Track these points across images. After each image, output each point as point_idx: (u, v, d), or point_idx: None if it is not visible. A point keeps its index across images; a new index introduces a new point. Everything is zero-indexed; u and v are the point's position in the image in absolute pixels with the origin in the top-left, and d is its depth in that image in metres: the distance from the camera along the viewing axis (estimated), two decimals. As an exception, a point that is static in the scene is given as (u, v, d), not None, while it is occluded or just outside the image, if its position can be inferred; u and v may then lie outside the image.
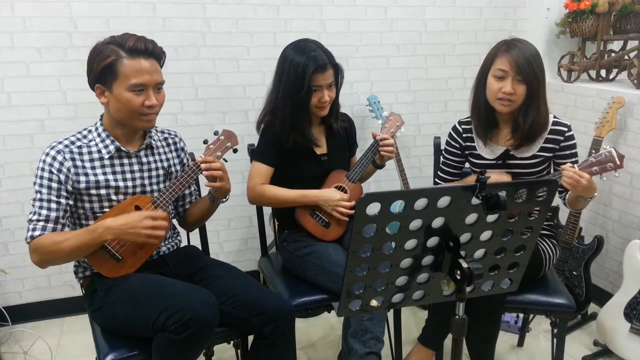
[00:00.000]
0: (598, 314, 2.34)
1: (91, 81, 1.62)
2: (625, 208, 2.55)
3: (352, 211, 1.98)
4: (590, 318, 2.60)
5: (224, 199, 1.81)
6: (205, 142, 1.76)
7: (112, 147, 1.66)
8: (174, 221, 1.92)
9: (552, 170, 1.95)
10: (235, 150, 1.80)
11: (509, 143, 1.92)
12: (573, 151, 1.89)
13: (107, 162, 1.66)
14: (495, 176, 1.87)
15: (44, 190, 1.58)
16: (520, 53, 1.78)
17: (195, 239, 2.05)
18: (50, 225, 1.57)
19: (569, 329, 2.50)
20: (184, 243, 1.94)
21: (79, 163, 1.62)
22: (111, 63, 1.55)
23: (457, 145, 2.04)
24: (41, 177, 1.58)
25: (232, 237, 2.92)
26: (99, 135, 1.67)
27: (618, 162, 1.71)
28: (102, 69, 1.56)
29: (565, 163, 1.80)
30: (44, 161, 1.59)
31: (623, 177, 2.53)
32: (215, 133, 1.77)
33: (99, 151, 1.66)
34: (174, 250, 1.85)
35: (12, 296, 2.65)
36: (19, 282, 2.64)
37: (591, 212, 2.74)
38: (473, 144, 2.00)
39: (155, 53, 1.61)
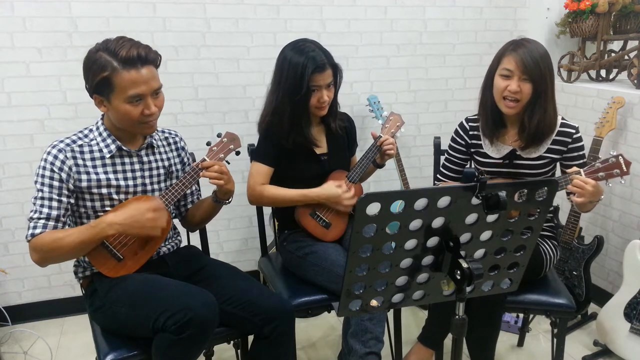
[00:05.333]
0: (598, 314, 2.35)
1: (89, 91, 1.61)
2: (625, 208, 2.55)
3: (356, 199, 1.98)
4: (590, 318, 2.60)
5: (228, 201, 1.81)
6: (208, 143, 1.76)
7: (113, 147, 1.66)
8: (175, 221, 1.92)
9: (557, 173, 1.95)
10: (237, 153, 1.80)
11: (516, 144, 1.91)
12: (580, 153, 1.89)
13: (108, 161, 1.66)
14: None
15: (46, 189, 1.58)
16: (527, 53, 1.77)
17: (195, 239, 2.05)
18: (51, 223, 1.57)
19: (569, 329, 2.50)
20: (184, 243, 1.94)
21: (80, 162, 1.62)
22: (107, 77, 1.53)
23: (463, 143, 2.03)
24: (42, 176, 1.59)
25: (232, 237, 2.92)
26: (100, 134, 1.67)
27: (625, 169, 1.71)
28: (97, 82, 1.55)
29: (572, 165, 1.79)
30: (46, 160, 1.59)
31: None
32: (219, 135, 1.77)
33: (100, 150, 1.66)
34: (174, 250, 1.85)
35: (12, 296, 2.65)
36: (19, 282, 2.64)
37: (591, 212, 2.73)
38: (479, 142, 1.99)
39: (149, 59, 1.57)
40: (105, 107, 1.60)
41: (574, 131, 1.87)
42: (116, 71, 1.52)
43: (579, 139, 1.88)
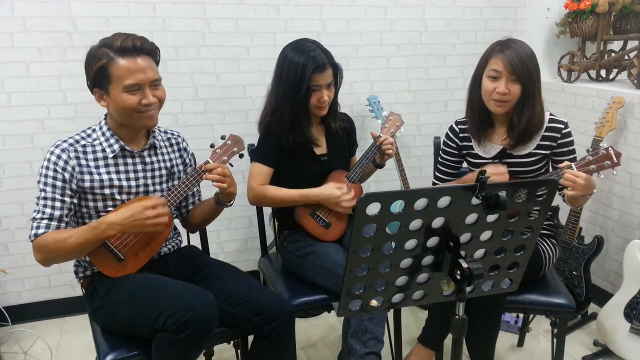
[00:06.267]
0: (598, 314, 2.35)
1: (89, 86, 1.62)
2: (625, 208, 2.55)
3: (355, 201, 1.98)
4: (590, 318, 2.60)
5: (229, 203, 1.81)
6: (212, 146, 1.76)
7: (116, 147, 1.66)
8: (175, 221, 1.92)
9: (550, 169, 1.95)
10: (241, 156, 1.80)
11: (504, 142, 1.92)
12: (570, 148, 1.89)
13: (111, 161, 1.66)
14: (491, 169, 1.85)
15: (48, 189, 1.58)
16: (514, 53, 1.78)
17: (195, 239, 2.05)
18: (54, 223, 1.57)
19: (569, 329, 2.50)
20: (184, 243, 1.94)
21: (83, 162, 1.62)
22: (103, 66, 1.54)
23: (454, 145, 2.04)
24: (45, 176, 1.58)
25: (232, 237, 2.92)
26: (103, 134, 1.67)
27: (615, 160, 1.71)
28: (95, 73, 1.56)
29: (562, 161, 1.80)
30: (49, 159, 1.59)
31: (623, 177, 2.53)
32: (223, 137, 1.77)
33: (104, 150, 1.66)
34: (175, 250, 1.85)
35: (12, 296, 2.65)
36: (19, 282, 2.64)
37: (591, 212, 2.74)
38: (470, 144, 2.00)
39: (145, 49, 1.58)
40: (105, 101, 1.61)
41: (562, 126, 1.88)
42: (112, 60, 1.54)
43: (568, 134, 1.89)
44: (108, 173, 1.65)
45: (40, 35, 2.39)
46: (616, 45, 2.93)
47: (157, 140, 1.77)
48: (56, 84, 2.46)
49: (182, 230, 1.97)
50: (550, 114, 1.90)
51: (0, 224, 2.54)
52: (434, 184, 2.14)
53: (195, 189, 1.92)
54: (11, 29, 2.35)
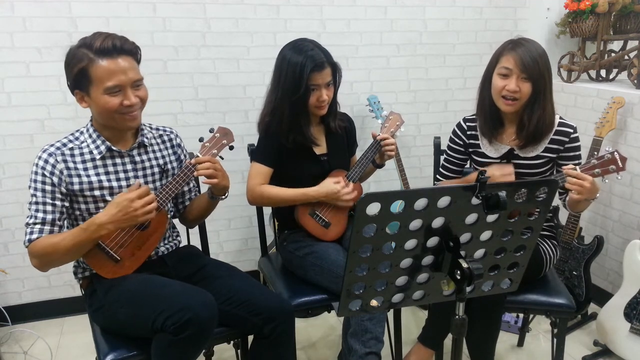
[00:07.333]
0: (598, 314, 2.35)
1: (70, 87, 1.60)
2: (625, 208, 2.55)
3: (356, 193, 2.00)
4: (590, 318, 2.60)
5: (223, 196, 1.81)
6: (200, 140, 1.75)
7: (103, 147, 1.65)
8: (174, 220, 1.92)
9: (555, 172, 1.95)
10: (231, 147, 1.78)
11: (514, 143, 1.92)
12: (577, 153, 1.89)
13: (99, 162, 1.65)
14: (498, 169, 1.86)
15: (39, 194, 1.58)
16: (526, 51, 1.78)
17: (195, 239, 2.05)
18: (47, 227, 1.57)
19: (569, 329, 2.50)
20: (184, 243, 1.94)
21: (71, 165, 1.61)
22: (83, 68, 1.52)
23: (461, 143, 2.03)
24: (35, 181, 1.58)
25: (232, 237, 2.92)
26: (90, 136, 1.65)
27: (620, 165, 1.71)
28: (75, 75, 1.54)
29: (567, 164, 1.79)
30: (37, 164, 1.59)
31: (623, 176, 2.52)
32: (211, 130, 1.76)
33: (91, 152, 1.64)
34: (174, 250, 1.85)
35: (12, 296, 2.65)
36: (19, 282, 2.64)
37: (591, 212, 2.74)
38: (477, 142, 2.00)
39: (125, 49, 1.56)
40: (86, 102, 1.59)
41: (571, 130, 1.88)
42: (92, 62, 1.51)
43: (576, 139, 1.88)
44: (97, 175, 1.64)
45: (40, 35, 2.39)
46: (616, 45, 2.93)
47: (147, 138, 1.75)
48: (56, 84, 2.46)
49: (182, 230, 1.96)
50: (560, 117, 1.90)
51: (0, 224, 2.54)
52: (437, 180, 2.13)
53: (191, 185, 1.91)
54: (11, 29, 2.35)
